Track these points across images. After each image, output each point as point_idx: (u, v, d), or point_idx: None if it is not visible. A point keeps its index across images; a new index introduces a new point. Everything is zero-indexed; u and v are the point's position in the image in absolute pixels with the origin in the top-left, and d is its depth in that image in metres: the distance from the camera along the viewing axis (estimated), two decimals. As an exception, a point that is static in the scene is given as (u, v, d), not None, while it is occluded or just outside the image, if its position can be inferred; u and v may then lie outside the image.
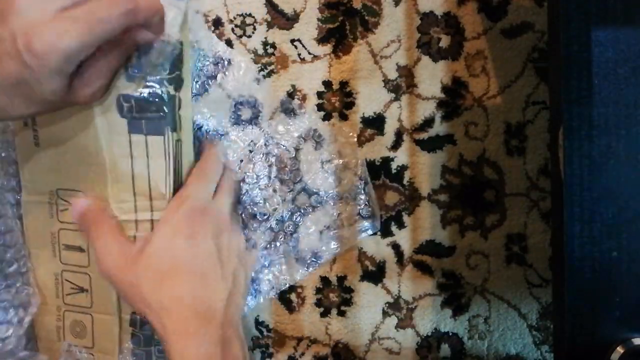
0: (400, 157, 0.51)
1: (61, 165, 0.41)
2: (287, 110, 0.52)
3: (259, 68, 0.52)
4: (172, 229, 0.39)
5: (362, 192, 0.50)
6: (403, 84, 0.51)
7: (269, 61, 0.52)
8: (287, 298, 0.53)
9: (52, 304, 0.43)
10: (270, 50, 0.52)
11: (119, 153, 0.40)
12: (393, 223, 0.51)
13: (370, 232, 0.51)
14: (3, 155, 0.43)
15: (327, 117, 0.51)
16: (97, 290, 0.41)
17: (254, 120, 0.52)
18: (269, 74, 0.52)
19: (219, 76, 0.52)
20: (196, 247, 0.39)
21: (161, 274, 0.37)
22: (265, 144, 0.52)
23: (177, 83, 0.42)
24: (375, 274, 0.52)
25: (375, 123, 0.51)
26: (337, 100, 0.51)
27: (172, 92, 0.41)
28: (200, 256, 0.39)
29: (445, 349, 0.51)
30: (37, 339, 0.45)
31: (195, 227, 0.39)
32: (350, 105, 0.51)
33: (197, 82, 0.51)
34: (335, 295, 0.52)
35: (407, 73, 0.51)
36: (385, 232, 0.51)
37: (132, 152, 0.40)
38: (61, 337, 0.43)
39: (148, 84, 0.39)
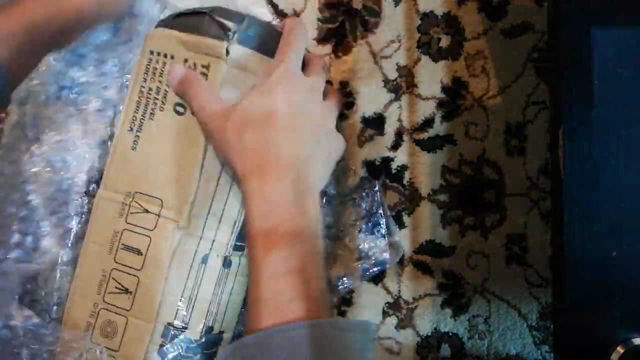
0: (400, 157, 0.51)
1: (149, 172, 0.42)
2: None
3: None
4: (266, 87, 0.40)
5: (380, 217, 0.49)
6: (403, 84, 0.51)
7: (269, 61, 0.52)
8: (287, 298, 0.52)
9: (90, 299, 0.43)
10: (270, 50, 0.52)
11: (210, 176, 0.42)
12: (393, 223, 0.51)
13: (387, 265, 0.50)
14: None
15: (327, 117, 0.51)
16: (142, 295, 0.41)
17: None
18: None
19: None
20: (285, 104, 0.39)
21: (248, 122, 0.39)
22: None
23: None
24: (375, 274, 0.52)
25: (376, 123, 0.51)
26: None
27: None
28: (287, 112, 0.40)
29: (445, 349, 0.51)
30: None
31: (288, 88, 0.40)
32: (350, 105, 0.51)
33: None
34: (335, 295, 0.52)
35: (407, 73, 0.51)
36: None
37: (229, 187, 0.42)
38: (89, 333, 0.43)
39: None
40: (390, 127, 0.51)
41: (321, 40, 0.51)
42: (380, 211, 0.49)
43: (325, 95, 0.43)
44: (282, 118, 0.39)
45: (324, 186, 0.43)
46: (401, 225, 0.51)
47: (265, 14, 0.51)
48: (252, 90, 0.40)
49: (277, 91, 0.39)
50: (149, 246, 0.41)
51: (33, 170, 0.47)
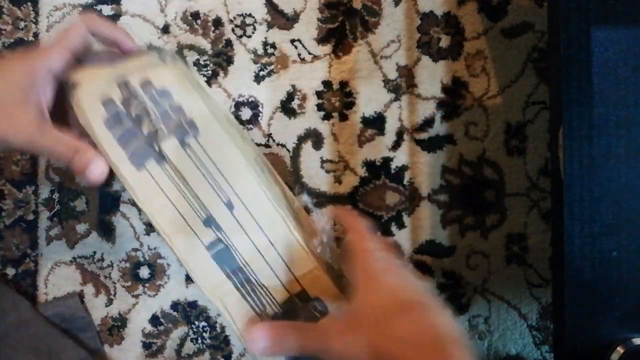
0: (400, 157, 0.51)
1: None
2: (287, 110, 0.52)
3: (259, 68, 0.52)
4: (366, 282, 0.35)
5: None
6: (403, 84, 0.51)
7: (269, 61, 0.52)
8: (287, 298, 0.53)
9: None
10: (270, 50, 0.52)
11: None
12: (393, 223, 0.51)
13: None
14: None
15: (327, 117, 0.51)
16: None
17: (253, 120, 0.52)
18: (269, 74, 0.52)
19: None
20: (397, 279, 0.35)
21: (382, 316, 0.33)
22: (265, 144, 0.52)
23: None
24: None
25: (376, 123, 0.51)
26: (337, 100, 0.51)
27: None
28: (405, 285, 0.35)
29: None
30: None
31: (387, 273, 0.35)
32: (350, 105, 0.51)
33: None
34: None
35: (407, 73, 0.51)
36: (385, 232, 0.51)
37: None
38: None
39: None
40: (390, 127, 0.51)
41: (321, 40, 0.51)
42: None
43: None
44: (406, 298, 0.34)
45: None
46: (401, 225, 0.51)
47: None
48: (355, 288, 0.35)
49: (379, 275, 0.35)
50: None
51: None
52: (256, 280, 0.38)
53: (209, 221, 0.38)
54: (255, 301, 0.38)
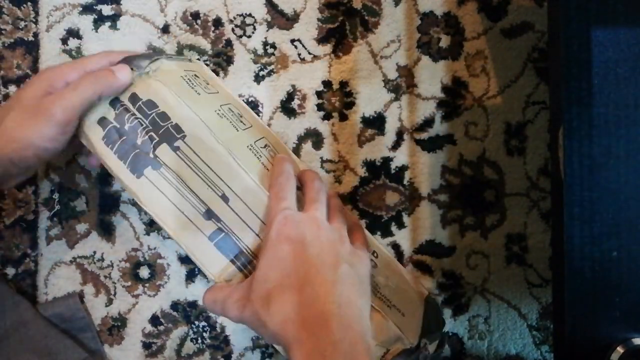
0: (400, 157, 0.51)
1: None
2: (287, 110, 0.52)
3: (259, 68, 0.52)
4: (268, 251, 0.39)
5: None
6: (403, 84, 0.51)
7: (269, 61, 0.52)
8: (287, 298, 0.53)
9: None
10: (270, 50, 0.52)
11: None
12: (393, 223, 0.51)
13: None
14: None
15: (327, 117, 0.51)
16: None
17: (254, 120, 0.52)
18: (269, 74, 0.52)
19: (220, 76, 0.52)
20: (291, 257, 0.38)
21: (267, 296, 0.37)
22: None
23: None
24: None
25: (376, 123, 0.51)
26: (337, 100, 0.51)
27: None
28: (298, 265, 0.38)
29: (445, 349, 0.51)
30: None
31: (286, 240, 0.39)
32: (350, 105, 0.51)
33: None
34: None
35: (407, 73, 0.51)
36: (385, 232, 0.51)
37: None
38: None
39: None
40: (390, 127, 0.51)
41: (321, 40, 0.51)
42: None
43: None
44: (294, 276, 0.38)
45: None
46: (401, 225, 0.51)
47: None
48: (258, 262, 0.40)
49: (276, 251, 0.39)
50: None
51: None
52: (257, 260, 0.41)
53: (209, 214, 0.41)
54: None
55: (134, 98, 0.42)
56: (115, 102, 0.42)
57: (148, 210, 0.42)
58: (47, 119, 0.40)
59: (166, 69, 0.45)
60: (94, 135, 0.42)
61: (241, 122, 0.46)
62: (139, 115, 0.42)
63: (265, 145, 0.46)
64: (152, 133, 0.42)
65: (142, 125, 0.42)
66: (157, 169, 0.41)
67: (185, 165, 0.41)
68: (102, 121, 0.42)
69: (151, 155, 0.41)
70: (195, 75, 0.47)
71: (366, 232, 0.48)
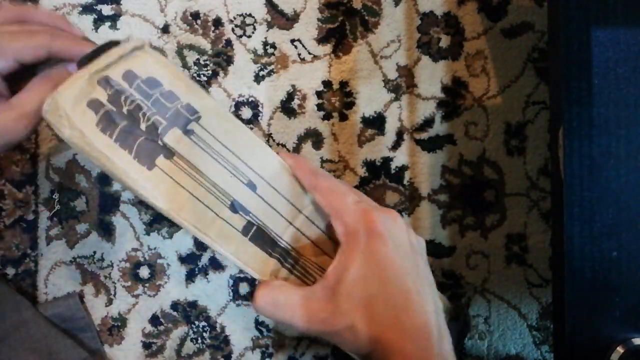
0: (400, 157, 0.51)
1: None
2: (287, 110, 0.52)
3: (259, 68, 0.52)
4: (356, 253, 0.34)
5: None
6: (403, 84, 0.51)
7: (269, 61, 0.52)
8: (287, 298, 0.53)
9: None
10: (270, 50, 0.52)
11: None
12: (393, 223, 0.51)
13: None
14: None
15: (327, 117, 0.51)
16: None
17: (253, 120, 0.52)
18: (269, 74, 0.52)
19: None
20: (388, 259, 0.34)
21: (367, 305, 0.33)
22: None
23: None
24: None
25: (376, 123, 0.51)
26: (337, 100, 0.51)
27: None
28: (396, 268, 0.34)
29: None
30: None
31: (378, 238, 0.34)
32: (350, 105, 0.51)
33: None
34: None
35: (407, 73, 0.51)
36: (385, 232, 0.51)
37: None
38: None
39: None
40: (390, 127, 0.51)
41: (321, 40, 0.51)
42: None
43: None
44: (392, 284, 0.34)
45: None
46: (401, 225, 0.51)
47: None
48: (337, 265, 0.35)
49: (363, 257, 0.34)
50: None
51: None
52: (295, 252, 0.38)
53: (235, 206, 0.36)
54: (301, 272, 0.37)
55: (130, 76, 0.34)
56: (104, 80, 0.34)
57: (165, 208, 0.34)
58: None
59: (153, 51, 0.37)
60: (83, 122, 0.33)
61: None
62: (139, 97, 0.34)
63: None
64: (158, 116, 0.34)
65: (143, 107, 0.34)
66: (169, 157, 0.34)
67: (202, 150, 0.35)
68: (93, 103, 0.33)
69: (160, 143, 0.34)
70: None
71: None
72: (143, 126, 0.34)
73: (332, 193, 0.36)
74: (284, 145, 0.52)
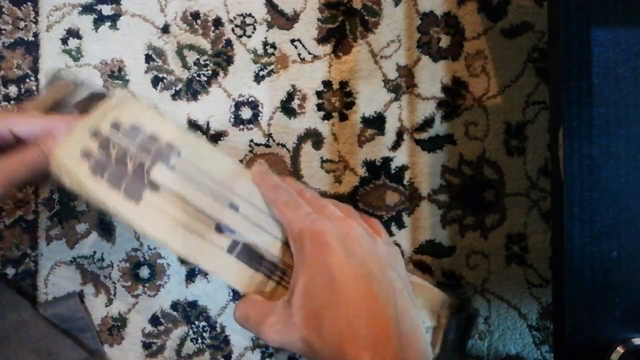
0: (400, 157, 0.51)
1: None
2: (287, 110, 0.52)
3: (259, 68, 0.52)
4: (306, 265, 0.35)
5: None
6: (403, 84, 0.51)
7: (269, 61, 0.52)
8: (287, 298, 0.53)
9: None
10: (270, 50, 0.52)
11: None
12: (393, 223, 0.51)
13: None
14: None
15: (327, 117, 0.51)
16: None
17: (253, 120, 0.52)
18: (269, 74, 0.52)
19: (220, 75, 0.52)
20: (335, 268, 0.34)
21: (317, 315, 0.33)
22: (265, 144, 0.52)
23: None
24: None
25: (376, 123, 0.51)
26: (337, 100, 0.51)
27: None
28: (345, 276, 0.34)
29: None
30: None
31: (325, 248, 0.34)
32: (350, 105, 0.51)
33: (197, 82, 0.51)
34: None
35: (407, 73, 0.51)
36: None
37: None
38: None
39: None
40: (390, 127, 0.51)
41: (321, 40, 0.51)
42: None
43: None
44: (344, 291, 0.34)
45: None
46: (401, 225, 0.51)
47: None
48: (294, 276, 0.36)
49: (312, 267, 0.35)
50: None
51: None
52: (283, 263, 0.40)
53: (220, 227, 0.40)
54: (288, 283, 0.39)
55: (116, 126, 0.40)
56: (95, 132, 0.40)
57: (155, 237, 0.39)
58: None
59: (132, 100, 0.44)
60: (79, 171, 0.39)
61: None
62: (125, 142, 0.40)
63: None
64: (143, 159, 0.40)
65: (130, 151, 0.40)
66: (155, 191, 0.39)
67: (185, 181, 0.39)
68: (87, 155, 0.40)
69: (146, 180, 0.39)
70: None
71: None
72: (130, 169, 0.40)
73: (287, 206, 0.38)
74: (284, 146, 0.52)
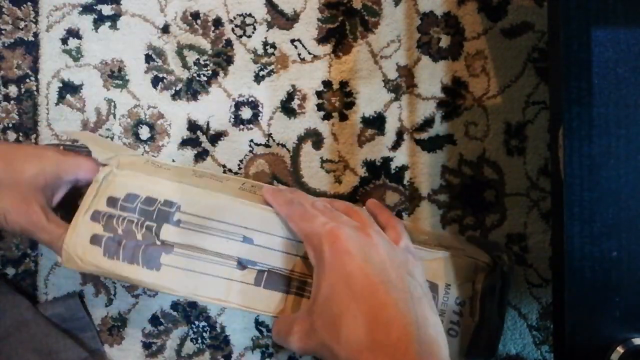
0: (400, 157, 0.51)
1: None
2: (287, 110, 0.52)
3: (259, 68, 0.52)
4: (325, 273, 0.35)
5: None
6: (403, 84, 0.51)
7: (269, 61, 0.52)
8: (287, 298, 0.53)
9: None
10: (270, 50, 0.52)
11: None
12: (393, 223, 0.51)
13: None
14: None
15: (327, 117, 0.51)
16: None
17: (253, 120, 0.52)
18: (269, 74, 0.52)
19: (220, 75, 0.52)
20: (355, 275, 0.34)
21: (335, 322, 0.33)
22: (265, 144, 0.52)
23: None
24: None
25: (376, 123, 0.51)
26: (337, 100, 0.51)
27: None
28: (364, 284, 0.34)
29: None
30: None
31: (345, 255, 0.34)
32: (350, 105, 0.51)
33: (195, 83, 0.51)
34: None
35: (407, 73, 0.51)
36: (385, 232, 0.51)
37: None
38: None
39: None
40: (390, 127, 0.51)
41: (321, 40, 0.51)
42: None
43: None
44: (361, 298, 0.34)
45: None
46: (401, 225, 0.51)
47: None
48: (314, 286, 0.36)
49: (332, 275, 0.35)
50: None
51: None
52: (310, 277, 0.40)
53: (242, 263, 0.40)
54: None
55: (112, 200, 0.41)
56: (95, 214, 0.41)
57: (184, 294, 0.40)
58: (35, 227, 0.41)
59: (127, 161, 0.44)
60: (93, 257, 0.40)
61: (217, 179, 0.46)
62: (125, 214, 0.41)
63: (252, 186, 0.46)
64: (148, 222, 0.40)
65: (133, 221, 0.40)
66: (170, 252, 0.40)
67: (194, 232, 0.40)
68: (95, 239, 0.41)
69: (158, 243, 0.40)
70: (152, 159, 0.48)
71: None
72: (139, 236, 0.40)
73: (303, 219, 0.38)
74: (284, 146, 0.52)
